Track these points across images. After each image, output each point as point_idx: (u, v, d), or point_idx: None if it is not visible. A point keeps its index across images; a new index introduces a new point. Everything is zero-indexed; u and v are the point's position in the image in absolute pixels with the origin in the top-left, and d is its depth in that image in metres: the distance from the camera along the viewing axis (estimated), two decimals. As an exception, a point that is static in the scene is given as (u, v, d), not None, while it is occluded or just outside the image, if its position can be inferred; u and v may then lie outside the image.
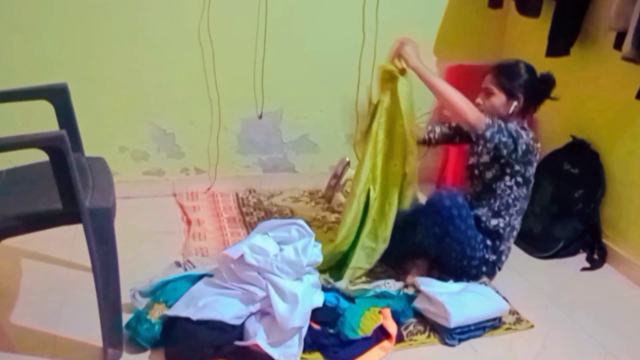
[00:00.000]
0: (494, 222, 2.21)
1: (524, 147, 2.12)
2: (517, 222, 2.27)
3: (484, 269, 2.23)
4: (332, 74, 2.99)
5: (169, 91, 2.84)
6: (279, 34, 2.84)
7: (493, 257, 2.24)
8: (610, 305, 2.26)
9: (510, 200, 2.20)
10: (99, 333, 1.76)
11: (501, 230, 2.21)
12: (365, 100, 2.41)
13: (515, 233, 2.28)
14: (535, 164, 2.22)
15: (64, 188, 1.58)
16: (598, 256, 2.57)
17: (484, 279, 2.27)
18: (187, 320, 1.82)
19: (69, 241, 2.38)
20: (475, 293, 2.10)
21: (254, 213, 2.86)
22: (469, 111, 2.06)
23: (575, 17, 2.59)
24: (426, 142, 2.43)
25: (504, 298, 2.17)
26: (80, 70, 2.68)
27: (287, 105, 3.02)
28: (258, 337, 1.81)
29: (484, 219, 2.22)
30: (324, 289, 2.09)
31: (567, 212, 2.63)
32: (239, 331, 1.86)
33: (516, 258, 2.57)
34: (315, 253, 2.00)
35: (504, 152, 2.10)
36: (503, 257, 2.27)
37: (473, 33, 3.14)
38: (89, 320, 1.84)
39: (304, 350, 1.85)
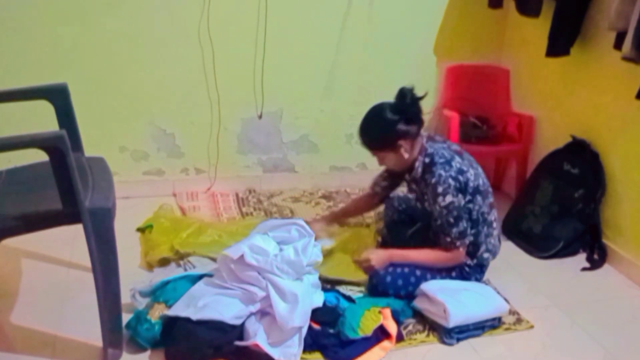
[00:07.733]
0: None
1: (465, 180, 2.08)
2: (490, 217, 2.18)
3: (468, 270, 2.20)
4: (332, 74, 2.99)
5: (169, 91, 2.84)
6: (278, 34, 2.84)
7: (473, 262, 2.20)
8: (610, 305, 2.26)
9: (474, 215, 2.13)
10: (99, 333, 1.76)
11: (472, 237, 2.15)
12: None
13: (494, 226, 2.20)
14: (470, 168, 2.12)
15: (64, 188, 1.58)
16: (598, 256, 2.57)
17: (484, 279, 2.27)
18: (187, 320, 1.82)
19: (69, 241, 2.37)
20: (475, 292, 2.10)
21: (254, 213, 2.86)
22: (446, 260, 2.15)
23: (575, 17, 2.59)
24: (378, 200, 2.45)
25: (504, 298, 2.17)
26: (80, 70, 2.68)
27: (287, 105, 3.02)
28: (258, 337, 1.81)
29: None
30: (324, 289, 2.09)
31: (567, 212, 2.62)
32: (239, 331, 1.86)
33: (516, 258, 2.58)
34: (315, 253, 2.01)
35: None
36: (486, 255, 2.20)
37: (473, 33, 3.14)
38: (89, 320, 1.84)
39: (304, 350, 1.85)
